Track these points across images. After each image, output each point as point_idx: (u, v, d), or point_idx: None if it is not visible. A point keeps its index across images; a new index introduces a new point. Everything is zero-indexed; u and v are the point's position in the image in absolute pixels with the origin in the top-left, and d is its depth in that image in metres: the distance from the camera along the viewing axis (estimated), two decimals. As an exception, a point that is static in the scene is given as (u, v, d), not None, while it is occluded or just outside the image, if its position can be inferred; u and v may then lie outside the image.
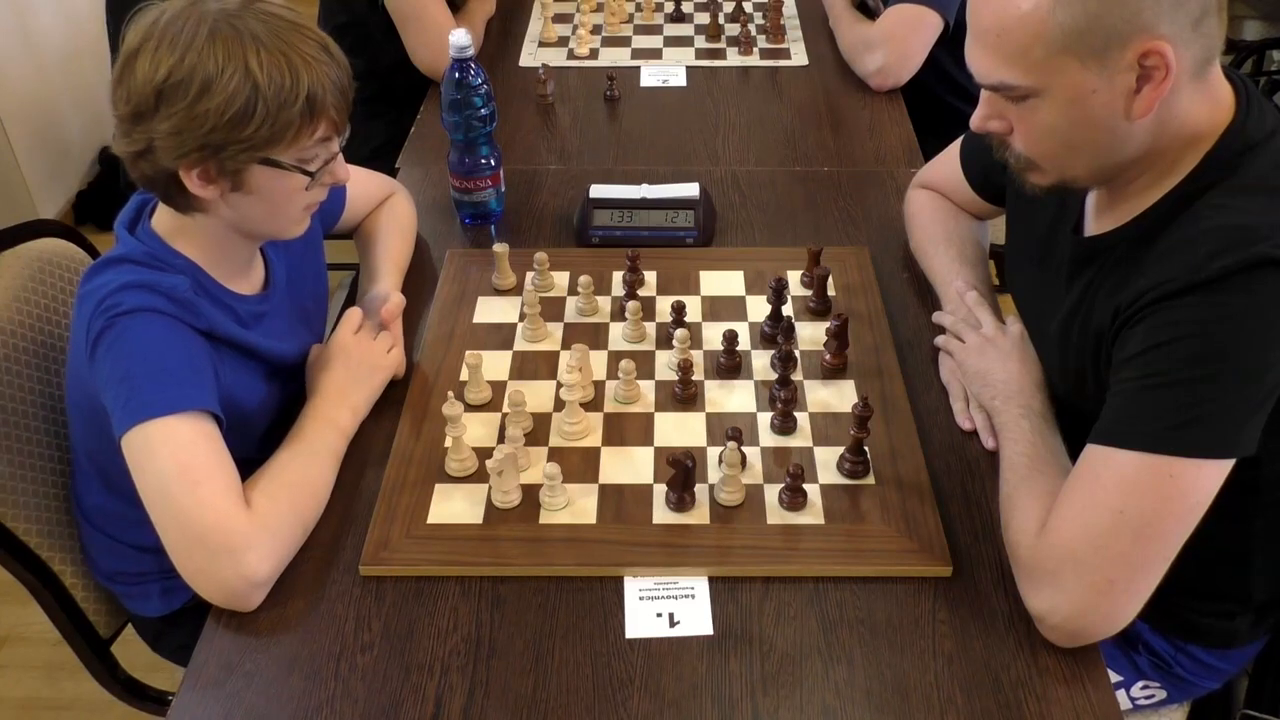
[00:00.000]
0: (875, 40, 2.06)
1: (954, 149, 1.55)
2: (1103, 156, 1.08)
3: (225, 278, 1.26)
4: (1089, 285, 1.17)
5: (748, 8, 2.33)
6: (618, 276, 1.56)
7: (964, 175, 1.51)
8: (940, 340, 1.41)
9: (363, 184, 1.58)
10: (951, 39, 2.03)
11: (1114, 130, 1.05)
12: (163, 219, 1.23)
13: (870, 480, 1.24)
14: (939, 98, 2.16)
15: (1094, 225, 1.20)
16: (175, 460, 1.11)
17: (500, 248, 1.54)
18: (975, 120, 1.13)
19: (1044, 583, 1.06)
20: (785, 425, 1.31)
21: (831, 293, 1.52)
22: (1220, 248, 1.00)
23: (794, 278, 1.54)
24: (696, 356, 1.42)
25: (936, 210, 1.56)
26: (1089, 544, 1.03)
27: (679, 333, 1.37)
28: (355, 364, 1.33)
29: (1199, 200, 1.06)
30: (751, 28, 2.22)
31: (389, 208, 1.60)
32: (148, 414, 1.11)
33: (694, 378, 1.38)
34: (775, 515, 1.21)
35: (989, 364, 1.31)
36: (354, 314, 1.39)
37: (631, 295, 1.51)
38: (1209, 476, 1.01)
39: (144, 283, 1.16)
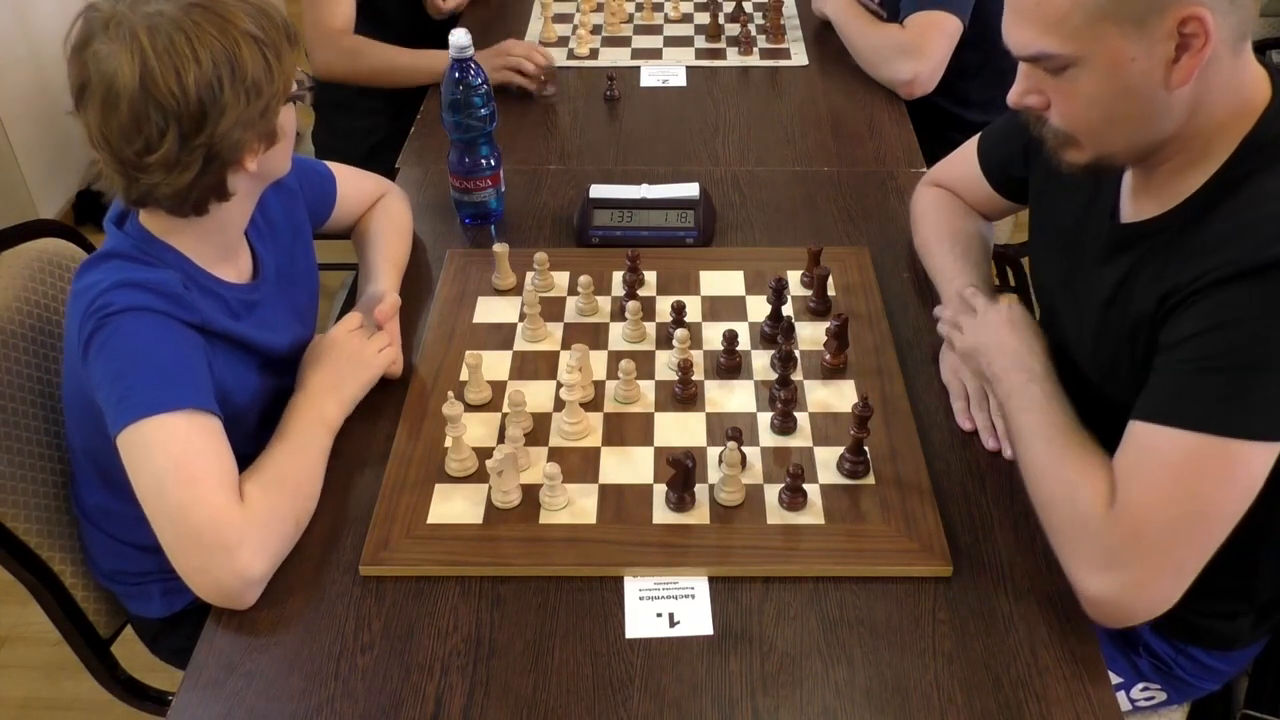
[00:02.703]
0: (909, 47, 2.01)
1: (967, 147, 1.55)
2: (1141, 130, 1.08)
3: (214, 267, 1.26)
4: (1129, 272, 1.16)
5: (748, 8, 2.33)
6: (618, 276, 1.56)
7: (981, 170, 1.51)
8: (942, 328, 1.41)
9: (354, 182, 1.58)
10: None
11: (1153, 100, 1.05)
12: (149, 213, 1.23)
13: (870, 480, 1.24)
14: (934, 103, 2.15)
15: (1131, 211, 1.19)
16: (170, 457, 1.11)
17: (500, 248, 1.54)
18: (1012, 96, 1.13)
19: (1114, 564, 1.05)
20: (785, 425, 1.31)
21: (831, 293, 1.52)
22: (1278, 233, 1.00)
23: (794, 278, 1.54)
24: (696, 356, 1.41)
25: (944, 208, 1.56)
26: (1165, 528, 1.03)
27: (679, 333, 1.37)
28: (344, 359, 1.33)
29: (1247, 185, 1.05)
30: (751, 28, 2.22)
31: (384, 207, 1.60)
32: (142, 412, 1.11)
33: (694, 378, 1.38)
34: (775, 515, 1.21)
35: (984, 337, 1.32)
36: (355, 315, 1.39)
37: (631, 295, 1.51)
38: (1264, 460, 1.02)
39: (134, 281, 1.16)
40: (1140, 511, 1.05)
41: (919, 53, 2.00)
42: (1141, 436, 1.06)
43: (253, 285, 1.32)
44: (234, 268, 1.30)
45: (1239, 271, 1.01)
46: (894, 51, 2.04)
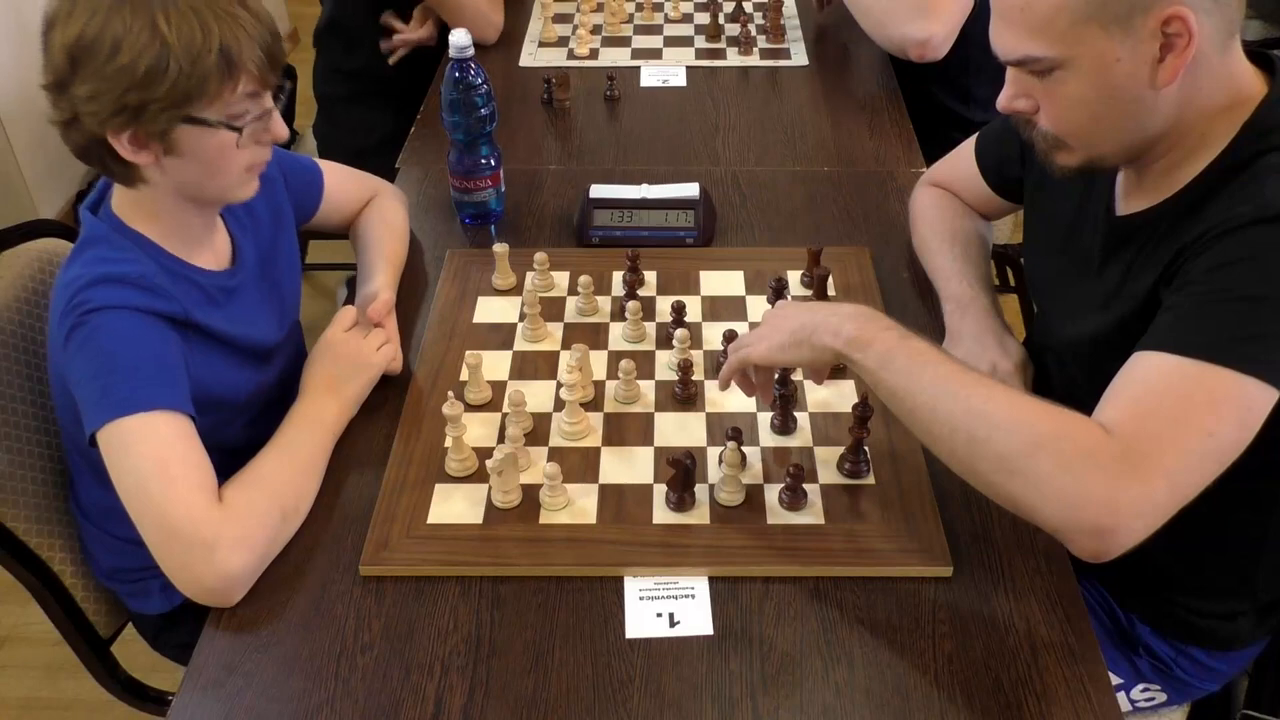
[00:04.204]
0: (924, 7, 1.94)
1: (965, 147, 1.55)
2: (1130, 130, 1.09)
3: (186, 253, 1.26)
4: (1130, 264, 1.16)
5: (748, 8, 2.33)
6: (618, 276, 1.56)
7: (979, 170, 1.51)
8: (734, 354, 1.23)
9: (343, 179, 1.58)
10: (959, 35, 2.00)
11: (1140, 100, 1.05)
12: (120, 199, 1.23)
13: (870, 480, 1.24)
14: (936, 102, 2.14)
15: (1125, 205, 1.19)
16: (150, 456, 1.12)
17: (500, 248, 1.54)
18: (1001, 100, 1.14)
19: (1127, 475, 0.96)
20: (785, 425, 1.31)
21: (831, 293, 1.52)
22: (1271, 198, 1.00)
23: (794, 278, 1.54)
24: (696, 356, 1.41)
25: (943, 208, 1.56)
26: (1165, 440, 0.97)
27: (679, 333, 1.37)
28: (343, 360, 1.33)
29: (1252, 166, 1.05)
30: (751, 28, 2.22)
31: (379, 208, 1.60)
32: (121, 411, 1.12)
33: (694, 378, 1.38)
34: (775, 515, 1.21)
35: (807, 315, 1.17)
36: (345, 312, 1.39)
37: (631, 295, 1.51)
38: (1263, 400, 0.98)
39: (112, 276, 1.16)
40: (1140, 425, 0.98)
41: (934, 12, 1.94)
42: (1139, 363, 1.02)
43: (230, 272, 1.32)
44: (210, 254, 1.30)
45: (1251, 220, 1.01)
46: (909, 10, 1.96)
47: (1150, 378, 1.01)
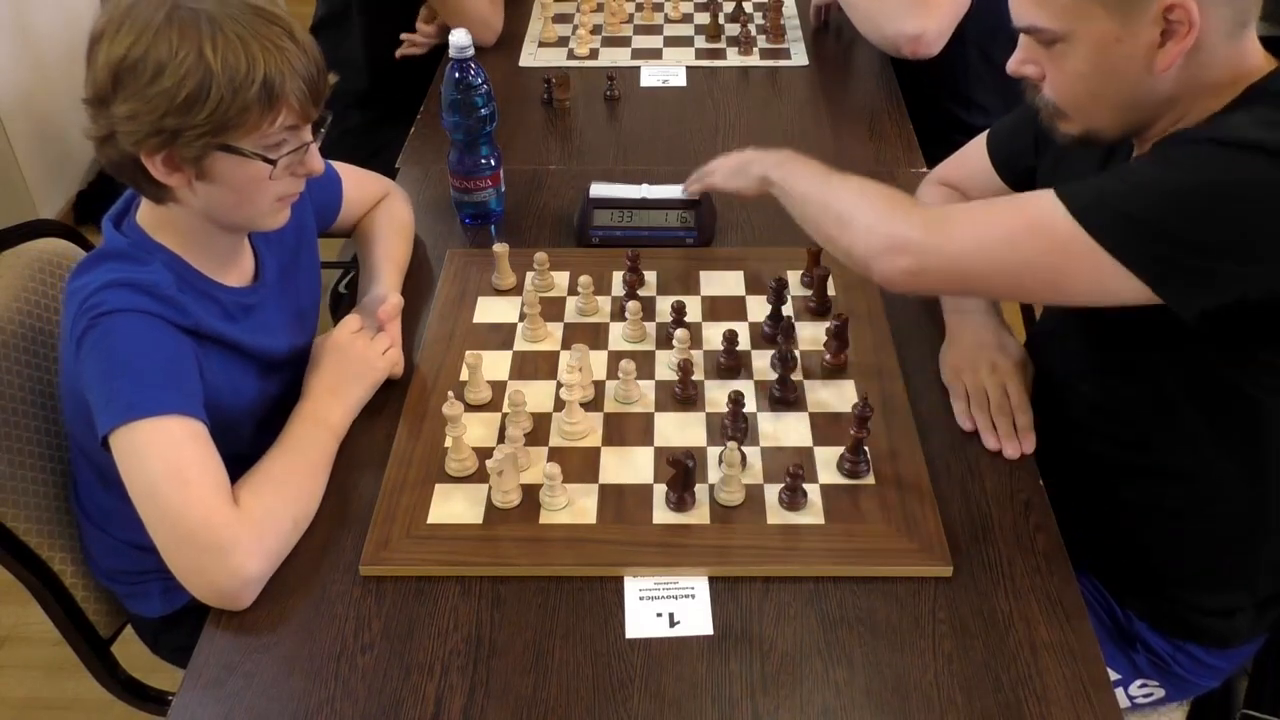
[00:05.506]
0: (920, 1, 1.92)
1: (973, 145, 1.55)
2: (1126, 108, 1.11)
3: (210, 269, 1.26)
4: None
5: (748, 8, 2.33)
6: (618, 276, 1.56)
7: (992, 164, 1.51)
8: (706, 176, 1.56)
9: (358, 183, 1.58)
10: (959, 40, 2.00)
11: (1138, 82, 1.08)
12: (146, 212, 1.23)
13: (870, 480, 1.24)
14: (937, 105, 2.14)
15: None
16: (163, 460, 1.11)
17: (500, 248, 1.54)
18: (1012, 63, 1.17)
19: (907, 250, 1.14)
20: (785, 396, 1.31)
21: (831, 293, 1.52)
22: (1227, 125, 1.03)
23: (794, 278, 1.54)
24: (696, 356, 1.41)
25: (946, 205, 1.56)
26: (973, 246, 1.12)
27: (679, 333, 1.37)
28: (348, 362, 1.33)
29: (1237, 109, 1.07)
30: (751, 28, 2.22)
31: (386, 208, 1.60)
32: (133, 415, 1.12)
33: (694, 378, 1.38)
34: (775, 515, 1.21)
35: (758, 153, 1.49)
36: (353, 317, 1.39)
37: (631, 295, 1.51)
38: (1090, 267, 1.04)
39: (127, 281, 1.16)
40: (961, 208, 1.15)
41: (927, 7, 1.91)
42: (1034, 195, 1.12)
43: (251, 288, 1.32)
44: (234, 271, 1.30)
45: (1205, 138, 1.03)
46: (902, 5, 1.94)
47: (1014, 197, 1.13)
